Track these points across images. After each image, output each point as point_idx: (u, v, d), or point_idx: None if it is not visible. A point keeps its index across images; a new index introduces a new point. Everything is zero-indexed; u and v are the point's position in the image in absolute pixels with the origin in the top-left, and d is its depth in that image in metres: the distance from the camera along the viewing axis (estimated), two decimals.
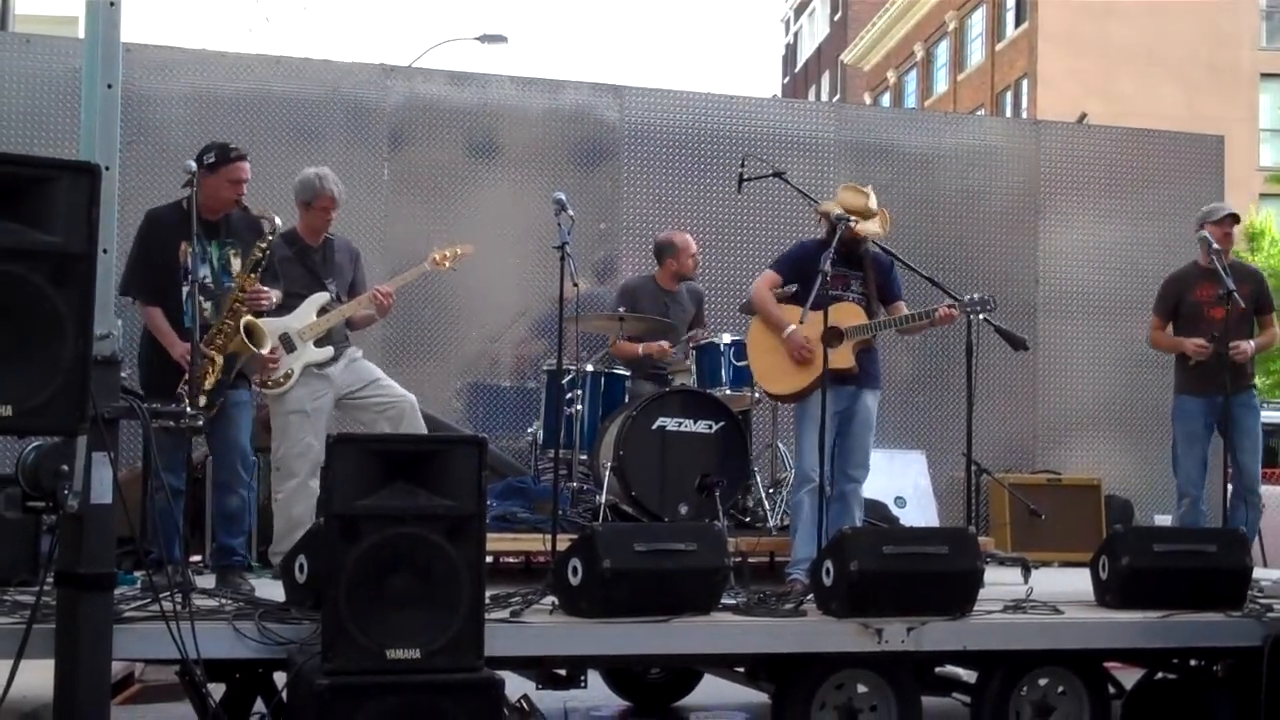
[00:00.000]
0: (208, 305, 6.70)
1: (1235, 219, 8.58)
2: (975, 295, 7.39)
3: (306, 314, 7.27)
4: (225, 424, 6.72)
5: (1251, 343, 8.34)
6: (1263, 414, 10.23)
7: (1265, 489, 9.92)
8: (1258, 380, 9.36)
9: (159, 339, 6.69)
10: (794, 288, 7.42)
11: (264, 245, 6.79)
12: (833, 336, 7.12)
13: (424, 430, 7.44)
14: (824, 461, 7.08)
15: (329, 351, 7.31)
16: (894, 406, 10.28)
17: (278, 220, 7.05)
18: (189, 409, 5.83)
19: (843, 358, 7.18)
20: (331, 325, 7.32)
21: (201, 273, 6.67)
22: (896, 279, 7.65)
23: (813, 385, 7.21)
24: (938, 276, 7.75)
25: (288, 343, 7.19)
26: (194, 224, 6.50)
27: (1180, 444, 8.49)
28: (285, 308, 7.20)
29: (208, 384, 6.58)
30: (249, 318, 6.69)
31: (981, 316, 7.39)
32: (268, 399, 7.39)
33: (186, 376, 6.46)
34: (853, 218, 7.28)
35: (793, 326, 7.23)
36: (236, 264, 6.84)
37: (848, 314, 7.28)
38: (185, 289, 6.60)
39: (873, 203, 7.43)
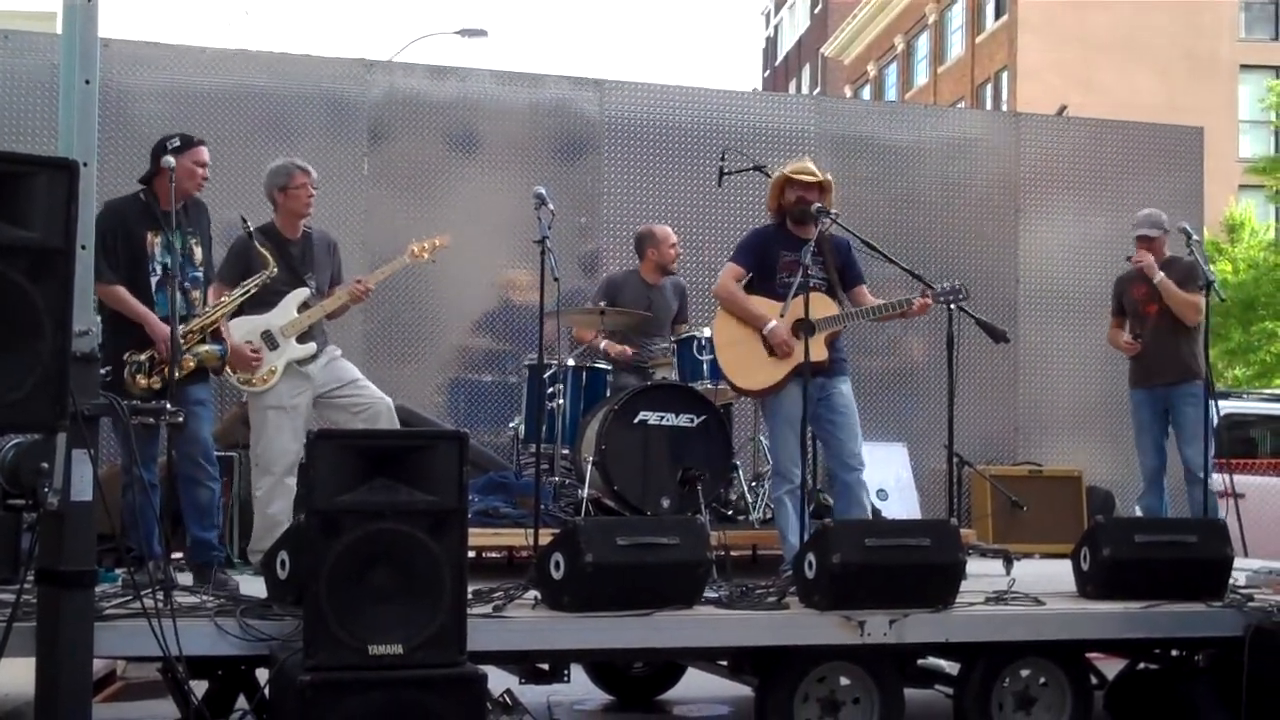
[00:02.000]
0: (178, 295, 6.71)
1: (1143, 240, 9.01)
2: (947, 284, 7.38)
3: (287, 310, 7.25)
4: (187, 419, 6.69)
5: (1161, 275, 8.83)
6: (1243, 403, 10.27)
7: (1247, 479, 10.05)
8: (1237, 371, 9.46)
9: (129, 314, 6.63)
10: (748, 276, 7.42)
11: (256, 283, 7.05)
12: (804, 329, 7.08)
13: None
14: (805, 455, 7.07)
15: (311, 348, 7.30)
16: (876, 399, 10.33)
17: (248, 222, 7.10)
18: (168, 404, 5.80)
19: (816, 350, 7.13)
20: (313, 321, 7.31)
21: (167, 262, 6.68)
22: (856, 262, 7.58)
23: (786, 379, 7.21)
24: (918, 269, 7.74)
25: (270, 340, 7.19)
26: (172, 215, 6.56)
27: (1134, 433, 9.16)
28: (266, 304, 7.20)
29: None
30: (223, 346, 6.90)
31: (955, 306, 7.38)
32: (248, 396, 7.38)
33: (157, 355, 6.54)
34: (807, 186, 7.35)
35: (774, 323, 7.21)
36: (199, 252, 6.87)
37: (819, 304, 7.23)
38: (155, 279, 6.63)
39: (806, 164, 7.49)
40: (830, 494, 7.67)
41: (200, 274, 6.89)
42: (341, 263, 7.69)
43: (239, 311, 7.11)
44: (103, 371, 5.13)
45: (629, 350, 8.61)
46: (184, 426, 6.62)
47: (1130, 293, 9.13)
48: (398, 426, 7.43)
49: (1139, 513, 9.12)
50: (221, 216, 7.24)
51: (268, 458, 7.24)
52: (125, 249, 6.63)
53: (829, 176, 7.50)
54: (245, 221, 7.12)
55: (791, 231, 7.38)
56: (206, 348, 6.80)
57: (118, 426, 5.51)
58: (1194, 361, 8.79)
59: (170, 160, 6.53)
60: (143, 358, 6.60)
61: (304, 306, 7.29)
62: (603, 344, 8.58)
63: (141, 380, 6.58)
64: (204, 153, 6.85)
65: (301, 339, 7.28)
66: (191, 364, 6.70)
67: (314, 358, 7.32)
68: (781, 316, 7.15)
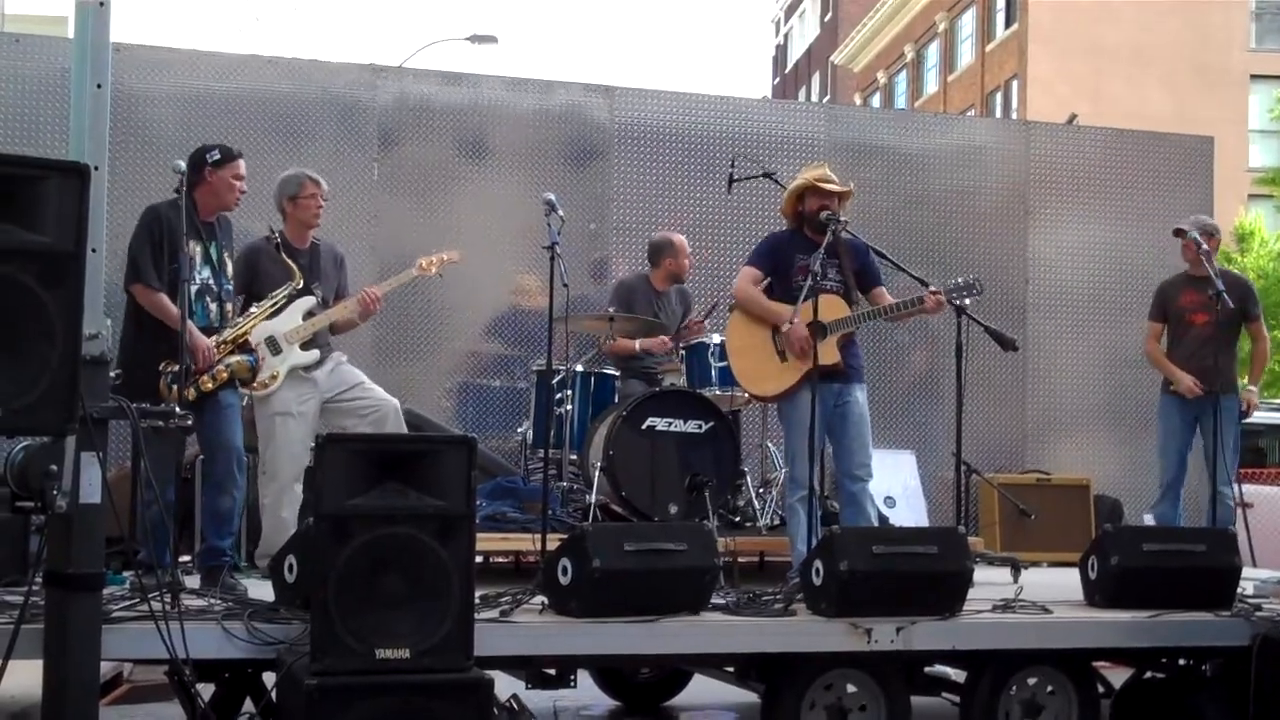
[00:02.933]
0: (214, 306, 6.78)
1: (1179, 234, 8.89)
2: (960, 280, 7.36)
3: (292, 317, 7.25)
4: (220, 424, 6.75)
5: (1254, 390, 9.00)
6: (1255, 414, 10.25)
7: (1255, 489, 10.03)
8: (1244, 381, 9.49)
9: (169, 322, 6.62)
10: (766, 280, 7.42)
11: (286, 294, 7.12)
12: (816, 331, 7.08)
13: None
14: (814, 460, 7.06)
15: (315, 354, 7.29)
16: (884, 407, 10.31)
17: (275, 231, 7.16)
18: (177, 408, 5.81)
19: (828, 353, 7.12)
20: (317, 329, 7.32)
21: (204, 274, 6.71)
22: (873, 264, 7.58)
23: (798, 384, 7.20)
24: (928, 276, 7.73)
25: (274, 345, 7.18)
26: (184, 223, 6.53)
27: (1159, 439, 9.01)
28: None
29: (207, 387, 6.68)
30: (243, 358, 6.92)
31: (967, 302, 7.34)
32: (255, 402, 7.39)
33: (195, 367, 6.57)
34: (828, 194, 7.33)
35: (789, 324, 7.17)
36: (229, 264, 6.94)
37: (830, 307, 7.22)
38: (195, 287, 6.65)
39: (827, 172, 7.46)
40: (835, 501, 7.66)
41: (231, 286, 6.96)
42: (348, 276, 7.70)
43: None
44: (113, 375, 5.12)
45: (665, 339, 8.68)
46: (217, 432, 6.71)
47: (1178, 300, 8.95)
48: (405, 428, 7.44)
49: (1151, 520, 9.10)
50: (237, 224, 7.26)
51: (276, 464, 7.24)
52: (168, 255, 6.64)
53: (851, 185, 7.51)
54: (273, 231, 7.20)
55: (809, 237, 7.37)
56: (238, 358, 6.87)
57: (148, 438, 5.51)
58: (1232, 375, 8.73)
59: (180, 165, 6.53)
60: (178, 368, 6.61)
61: (309, 314, 7.30)
62: (638, 344, 8.62)
63: (177, 390, 6.59)
64: (242, 166, 6.91)
65: (305, 346, 7.28)
66: (225, 375, 6.77)
67: (318, 365, 7.32)
68: (792, 322, 7.14)
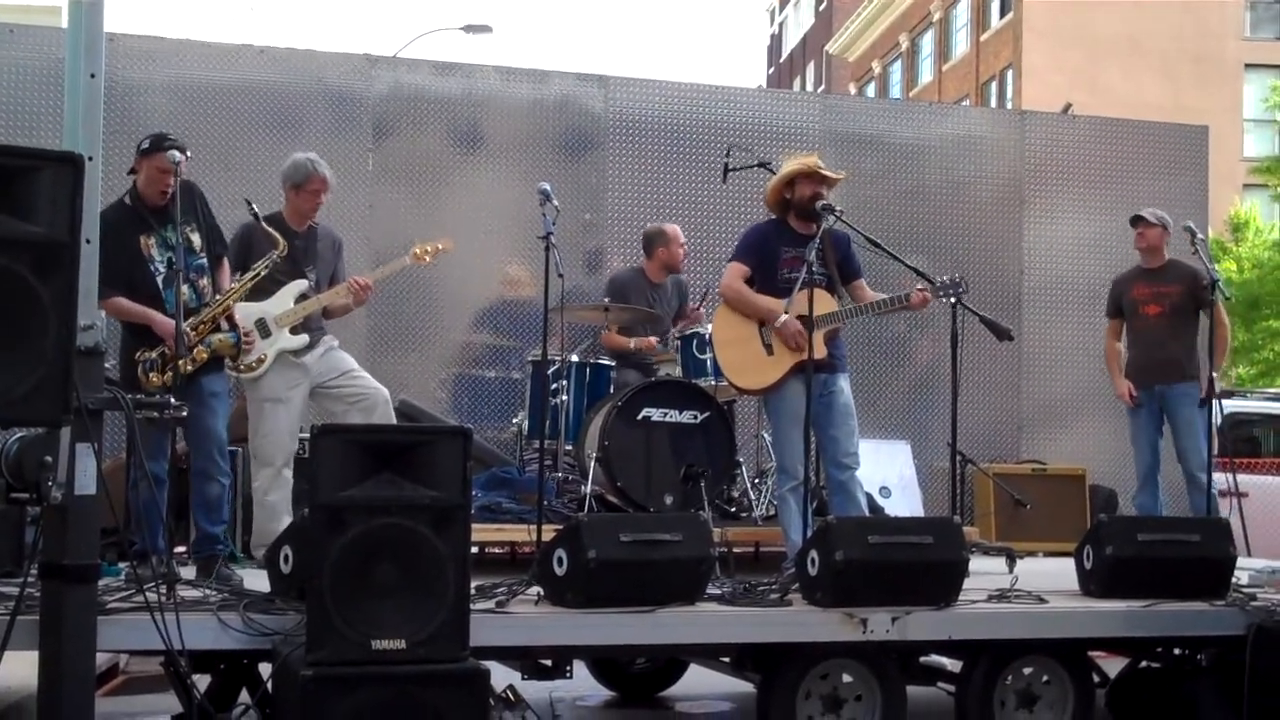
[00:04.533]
0: (185, 289, 6.68)
1: (1140, 222, 9.10)
2: (946, 278, 7.37)
3: (284, 301, 7.25)
4: (202, 412, 6.68)
5: (1214, 376, 8.81)
6: (1246, 403, 10.31)
7: (1250, 478, 10.05)
8: (1240, 370, 9.52)
9: (131, 319, 6.65)
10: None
11: (265, 265, 7.02)
12: (805, 326, 7.06)
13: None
14: (809, 452, 7.06)
15: (304, 339, 7.29)
16: (879, 396, 10.33)
17: (253, 205, 7.08)
18: (172, 398, 5.79)
19: (815, 348, 7.11)
20: (308, 313, 7.30)
21: (162, 265, 6.66)
22: (855, 256, 7.56)
23: (785, 378, 7.19)
24: (922, 266, 7.72)
25: (263, 328, 7.18)
26: (176, 210, 6.49)
27: (1130, 431, 9.15)
28: (264, 292, 7.20)
29: (187, 370, 6.61)
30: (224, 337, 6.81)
31: (956, 300, 7.36)
32: (245, 388, 7.38)
33: (168, 351, 6.50)
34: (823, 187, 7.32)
35: (785, 316, 7.15)
36: (197, 239, 6.78)
37: (819, 302, 7.18)
38: (160, 279, 6.61)
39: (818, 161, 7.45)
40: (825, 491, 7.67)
41: (203, 260, 6.82)
42: (345, 262, 7.68)
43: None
44: (109, 365, 5.11)
45: (654, 340, 8.69)
46: (198, 419, 6.65)
47: (1130, 293, 9.12)
48: (393, 417, 7.45)
49: (1134, 510, 9.13)
50: (229, 214, 7.23)
51: (266, 450, 7.25)
52: (120, 258, 6.56)
53: (843, 172, 7.51)
54: (250, 204, 7.11)
55: (793, 227, 7.36)
56: (220, 336, 6.79)
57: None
58: (1189, 363, 8.81)
59: (176, 155, 6.46)
60: (153, 354, 6.59)
61: (301, 298, 7.29)
62: (632, 343, 8.61)
63: (155, 378, 6.56)
64: (170, 159, 6.47)
65: (295, 330, 7.27)
66: (205, 354, 6.70)
67: (307, 349, 7.32)
68: (786, 311, 7.13)
